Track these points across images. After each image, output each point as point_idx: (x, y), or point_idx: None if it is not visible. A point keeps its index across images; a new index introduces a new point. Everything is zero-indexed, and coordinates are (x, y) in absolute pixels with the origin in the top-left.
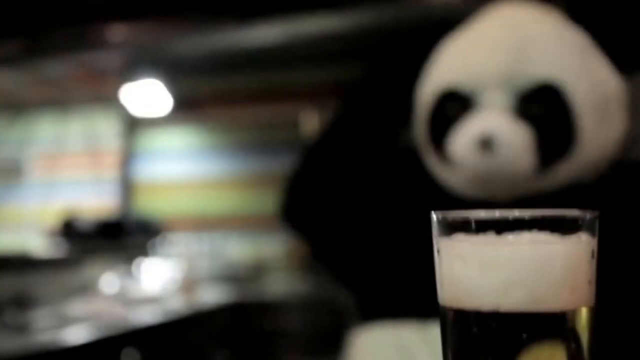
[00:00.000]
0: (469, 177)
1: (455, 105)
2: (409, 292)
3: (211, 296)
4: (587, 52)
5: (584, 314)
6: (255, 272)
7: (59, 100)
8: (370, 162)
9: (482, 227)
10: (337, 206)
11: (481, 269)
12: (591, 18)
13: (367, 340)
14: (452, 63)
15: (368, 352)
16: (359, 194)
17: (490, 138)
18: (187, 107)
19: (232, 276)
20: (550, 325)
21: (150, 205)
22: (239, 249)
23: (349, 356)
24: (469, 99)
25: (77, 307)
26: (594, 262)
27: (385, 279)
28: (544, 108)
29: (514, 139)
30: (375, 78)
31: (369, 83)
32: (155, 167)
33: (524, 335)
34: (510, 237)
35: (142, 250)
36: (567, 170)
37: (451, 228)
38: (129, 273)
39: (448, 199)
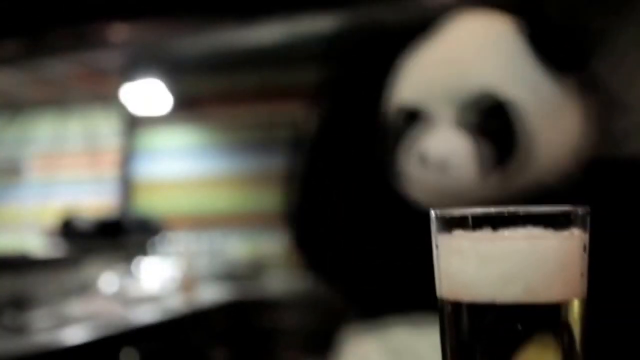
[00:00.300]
0: (422, 192)
1: (408, 121)
2: (396, 290)
3: (210, 295)
4: (530, 59)
5: (576, 305)
6: (254, 270)
7: (59, 100)
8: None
9: (479, 223)
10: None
11: (478, 263)
12: (540, 26)
13: (356, 344)
14: (407, 80)
15: (357, 357)
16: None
17: (443, 161)
18: (187, 107)
19: (232, 274)
20: (544, 316)
21: (150, 204)
22: (238, 248)
23: (338, 358)
24: (421, 114)
25: (76, 306)
26: (586, 255)
27: (375, 278)
28: (489, 118)
29: (461, 154)
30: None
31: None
32: (154, 166)
33: (519, 327)
34: (505, 233)
35: (142, 249)
36: (522, 175)
37: (449, 225)
38: (128, 272)
39: (411, 209)
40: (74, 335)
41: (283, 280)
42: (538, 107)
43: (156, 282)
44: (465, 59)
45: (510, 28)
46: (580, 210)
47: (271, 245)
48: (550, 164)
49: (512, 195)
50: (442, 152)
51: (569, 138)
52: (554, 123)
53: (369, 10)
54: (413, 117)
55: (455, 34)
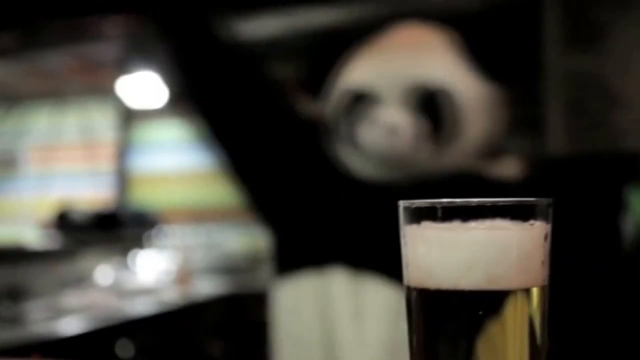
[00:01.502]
0: (377, 160)
1: (361, 102)
2: (332, 242)
3: (206, 287)
4: (466, 63)
5: (537, 293)
6: (250, 263)
7: (55, 92)
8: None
9: (448, 214)
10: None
11: (442, 251)
12: (473, 39)
13: (290, 293)
14: (360, 68)
15: (292, 306)
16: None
17: (394, 126)
18: (183, 99)
19: (228, 268)
20: (505, 303)
21: (146, 197)
22: (234, 241)
23: (273, 311)
24: (374, 97)
25: (72, 298)
26: (547, 244)
27: (316, 229)
28: (433, 102)
29: (412, 128)
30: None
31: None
32: (150, 159)
33: (481, 312)
34: (472, 224)
35: (138, 242)
36: (453, 155)
37: (417, 216)
38: (124, 265)
39: (351, 181)
40: (70, 326)
41: None
42: (475, 100)
43: (152, 275)
44: (412, 52)
45: (448, 37)
46: (543, 202)
47: (267, 239)
48: (475, 150)
49: (443, 169)
50: (392, 119)
51: (489, 130)
52: (483, 116)
53: (366, 3)
54: (359, 99)
55: (403, 34)
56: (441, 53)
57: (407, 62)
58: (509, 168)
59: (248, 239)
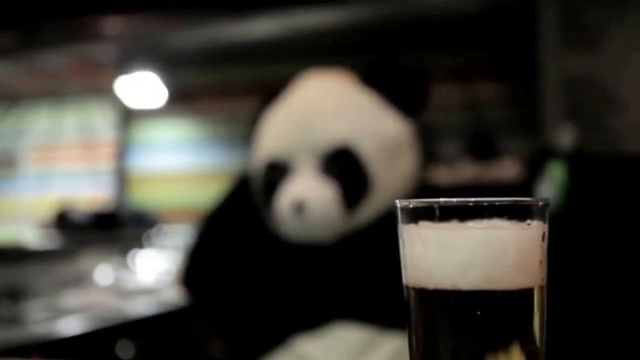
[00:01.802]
0: (290, 233)
1: (276, 172)
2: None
3: None
4: (374, 110)
5: (535, 292)
6: None
7: (54, 92)
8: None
9: (445, 214)
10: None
11: (440, 251)
12: (380, 80)
13: None
14: (269, 136)
15: None
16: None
17: (301, 202)
18: (181, 100)
19: None
20: (504, 302)
21: (145, 196)
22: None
23: None
24: (285, 166)
25: (72, 298)
26: (545, 244)
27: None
28: (341, 165)
29: (320, 198)
30: None
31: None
32: (150, 159)
33: (479, 312)
34: (470, 224)
35: (137, 242)
36: (369, 210)
37: (415, 216)
38: (123, 264)
39: (285, 245)
40: (70, 327)
41: None
42: (385, 151)
43: (152, 275)
44: (318, 114)
45: (356, 83)
46: (539, 202)
47: None
48: (391, 199)
49: (359, 230)
50: (299, 194)
51: (407, 174)
52: (397, 163)
53: (364, 4)
54: (279, 169)
55: (308, 92)
56: (342, 108)
57: (311, 125)
58: (507, 169)
59: None
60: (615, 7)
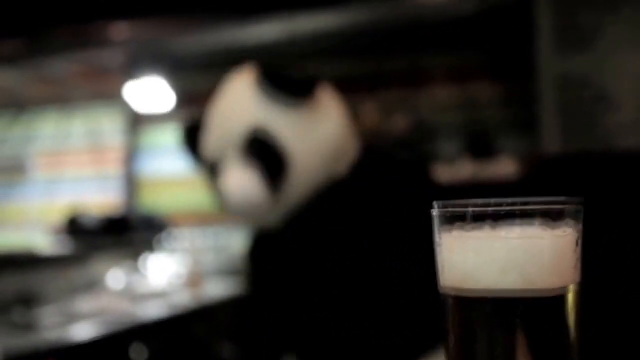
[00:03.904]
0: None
1: (215, 174)
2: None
3: (217, 290)
4: (273, 98)
5: (571, 296)
6: None
7: (62, 98)
8: None
9: (479, 218)
10: None
11: (477, 259)
12: (272, 75)
13: None
14: (203, 138)
15: None
16: None
17: (227, 194)
18: (189, 104)
19: (237, 270)
20: (540, 307)
21: (155, 201)
22: (243, 243)
23: None
24: (219, 166)
25: (84, 304)
26: (579, 249)
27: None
28: (257, 148)
29: (240, 187)
30: None
31: None
32: (159, 163)
33: (516, 317)
34: (503, 232)
35: (148, 246)
36: (294, 191)
37: (450, 220)
38: (135, 269)
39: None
40: (83, 332)
41: None
42: (290, 130)
43: (163, 279)
44: (228, 110)
45: (253, 80)
46: (573, 205)
47: None
48: (312, 181)
49: (287, 205)
50: (225, 187)
51: (324, 159)
52: (305, 138)
53: (366, 8)
54: (216, 170)
55: (222, 93)
56: (244, 100)
57: (223, 123)
58: (505, 168)
59: None
60: (609, 8)
